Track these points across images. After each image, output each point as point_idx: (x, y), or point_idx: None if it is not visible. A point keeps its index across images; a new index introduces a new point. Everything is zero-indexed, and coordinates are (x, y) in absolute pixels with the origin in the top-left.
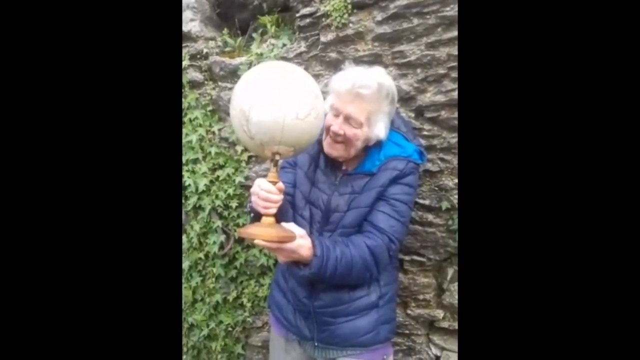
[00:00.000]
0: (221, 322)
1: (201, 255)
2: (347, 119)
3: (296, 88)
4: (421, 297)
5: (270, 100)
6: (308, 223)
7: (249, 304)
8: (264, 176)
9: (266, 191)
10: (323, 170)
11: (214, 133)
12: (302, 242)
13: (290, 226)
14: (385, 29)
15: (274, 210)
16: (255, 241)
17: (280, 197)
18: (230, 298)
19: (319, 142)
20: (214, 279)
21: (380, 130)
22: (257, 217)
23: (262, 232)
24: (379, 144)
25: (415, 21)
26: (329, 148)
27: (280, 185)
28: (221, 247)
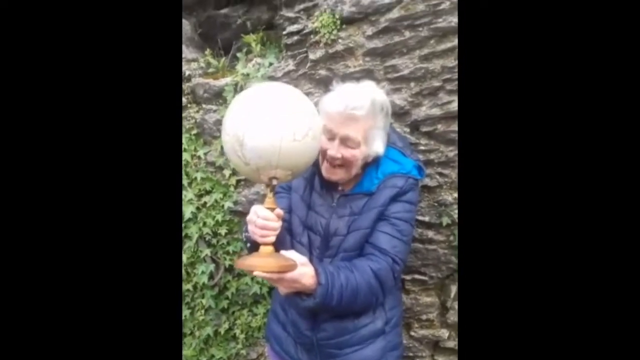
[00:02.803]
0: (213, 356)
1: (189, 286)
2: (344, 141)
3: (291, 108)
4: (424, 317)
5: (266, 123)
6: (307, 249)
7: (242, 336)
8: (254, 200)
9: (263, 218)
10: (319, 193)
11: (199, 157)
12: (304, 271)
13: (291, 254)
14: (377, 43)
15: (272, 239)
16: (255, 273)
17: (278, 224)
18: (222, 330)
19: (313, 164)
20: (203, 311)
21: (378, 145)
22: (254, 246)
23: (261, 263)
24: (375, 162)
25: (407, 34)
26: (328, 173)
27: (279, 211)
28: (211, 277)
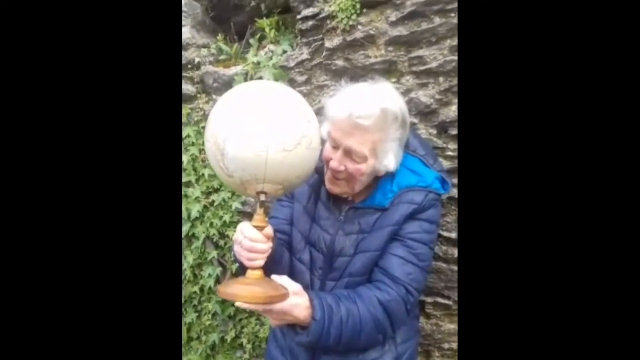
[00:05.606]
0: None
1: (196, 289)
2: (348, 153)
3: (281, 112)
4: (447, 346)
5: (249, 129)
6: (308, 269)
7: (249, 346)
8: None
9: (250, 239)
10: (325, 204)
11: None
12: (297, 301)
13: (283, 280)
14: (401, 31)
15: (261, 262)
16: (237, 304)
17: (268, 246)
18: (229, 338)
19: (320, 171)
20: (210, 316)
21: (389, 161)
22: (244, 267)
23: (245, 292)
24: (391, 173)
25: (437, 21)
26: (330, 184)
27: (269, 231)
28: (217, 281)
